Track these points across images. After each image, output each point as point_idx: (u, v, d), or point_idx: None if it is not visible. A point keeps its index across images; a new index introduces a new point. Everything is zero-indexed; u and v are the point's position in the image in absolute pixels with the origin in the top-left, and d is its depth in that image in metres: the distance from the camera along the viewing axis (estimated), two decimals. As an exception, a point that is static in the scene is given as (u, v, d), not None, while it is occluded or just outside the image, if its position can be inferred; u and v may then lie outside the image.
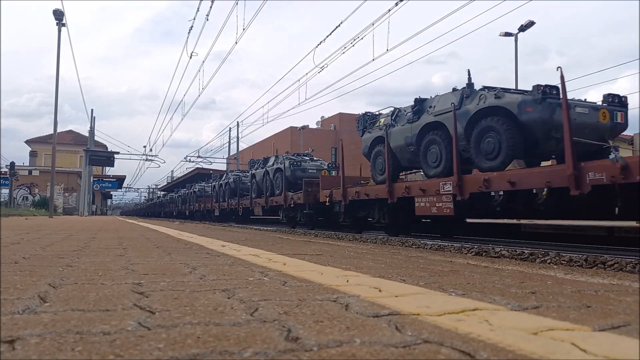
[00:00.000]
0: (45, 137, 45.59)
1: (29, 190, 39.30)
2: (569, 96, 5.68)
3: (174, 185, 46.90)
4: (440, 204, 7.32)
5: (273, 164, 14.88)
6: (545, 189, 5.85)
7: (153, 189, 66.33)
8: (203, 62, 23.16)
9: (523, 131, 6.29)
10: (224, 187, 20.49)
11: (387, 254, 3.56)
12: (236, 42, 16.67)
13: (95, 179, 41.83)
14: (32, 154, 46.14)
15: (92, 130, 35.74)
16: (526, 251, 4.70)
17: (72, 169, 42.35)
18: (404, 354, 0.94)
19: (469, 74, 7.49)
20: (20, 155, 55.80)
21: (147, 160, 38.62)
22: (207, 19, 17.04)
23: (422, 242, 6.36)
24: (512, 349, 0.97)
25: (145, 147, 46.53)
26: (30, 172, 39.91)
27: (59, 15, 21.39)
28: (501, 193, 6.65)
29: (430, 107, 8.05)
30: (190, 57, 20.51)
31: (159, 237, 5.57)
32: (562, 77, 5.32)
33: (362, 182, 10.91)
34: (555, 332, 1.13)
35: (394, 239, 7.15)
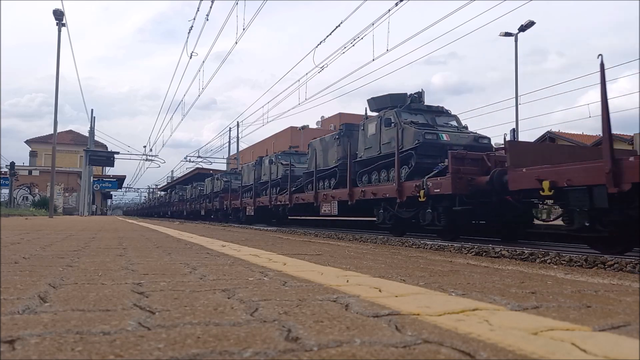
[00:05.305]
0: (45, 137, 45.58)
1: (29, 190, 39.28)
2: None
3: (174, 185, 46.88)
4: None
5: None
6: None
7: (153, 189, 66.31)
8: (203, 62, 23.13)
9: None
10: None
11: (387, 254, 3.56)
12: (236, 42, 16.65)
13: (95, 179, 41.83)
14: (32, 154, 46.10)
15: (92, 130, 35.76)
16: (526, 251, 4.70)
17: (72, 169, 42.32)
18: (404, 354, 0.94)
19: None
20: (20, 155, 55.78)
21: (147, 160, 38.64)
22: (207, 19, 17.02)
23: (422, 242, 6.37)
24: (512, 349, 0.97)
25: (145, 147, 46.48)
26: (30, 172, 39.89)
27: (59, 15, 21.38)
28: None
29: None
30: (191, 57, 20.50)
31: (159, 237, 5.57)
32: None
33: None
34: (555, 332, 1.13)
35: (394, 238, 7.17)
